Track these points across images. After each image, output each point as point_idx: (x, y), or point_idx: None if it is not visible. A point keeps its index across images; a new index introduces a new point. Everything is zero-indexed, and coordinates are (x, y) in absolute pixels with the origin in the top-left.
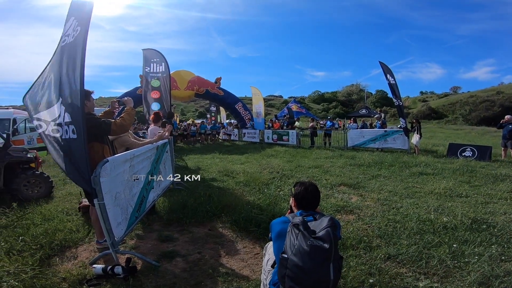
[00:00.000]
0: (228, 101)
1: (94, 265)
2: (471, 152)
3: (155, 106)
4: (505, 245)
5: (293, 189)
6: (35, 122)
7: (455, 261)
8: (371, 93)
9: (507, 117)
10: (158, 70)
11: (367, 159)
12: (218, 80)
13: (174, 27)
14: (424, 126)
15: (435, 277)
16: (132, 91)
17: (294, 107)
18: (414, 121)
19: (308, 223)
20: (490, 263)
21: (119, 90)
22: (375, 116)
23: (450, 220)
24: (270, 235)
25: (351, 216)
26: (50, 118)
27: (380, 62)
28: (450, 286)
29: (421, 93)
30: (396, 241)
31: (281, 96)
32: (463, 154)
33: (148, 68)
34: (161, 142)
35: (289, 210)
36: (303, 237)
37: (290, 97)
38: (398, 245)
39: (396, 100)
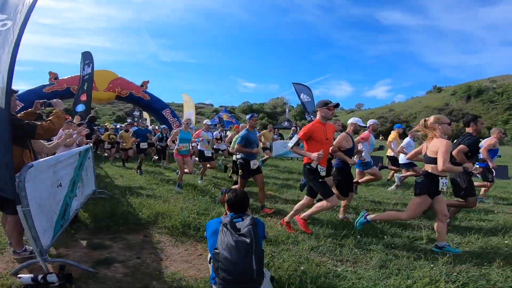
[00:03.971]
0: (154, 106)
1: (20, 275)
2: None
3: (80, 108)
4: (393, 235)
5: (226, 195)
6: None
7: (361, 250)
8: (293, 107)
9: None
10: (87, 72)
11: (289, 167)
12: (145, 84)
13: (101, 23)
14: None
15: (348, 263)
16: (38, 89)
17: (225, 117)
18: None
19: (237, 223)
20: (384, 250)
21: (20, 87)
22: (292, 129)
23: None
24: (205, 234)
25: (280, 217)
26: None
27: (293, 83)
28: (359, 269)
29: None
30: (317, 235)
31: (211, 105)
32: None
33: (84, 71)
34: (83, 147)
35: (224, 213)
36: (230, 234)
37: (221, 106)
38: (318, 238)
39: (308, 116)
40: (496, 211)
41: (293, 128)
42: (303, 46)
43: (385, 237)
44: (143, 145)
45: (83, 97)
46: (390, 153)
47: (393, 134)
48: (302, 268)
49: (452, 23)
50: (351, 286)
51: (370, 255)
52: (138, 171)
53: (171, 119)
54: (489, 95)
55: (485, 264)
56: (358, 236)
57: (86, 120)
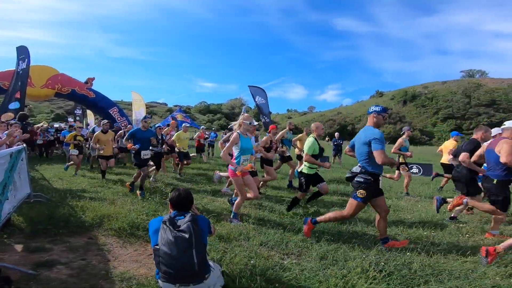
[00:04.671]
0: (100, 104)
1: None
2: None
3: (13, 106)
4: (329, 231)
5: (169, 194)
6: None
7: (304, 243)
8: (251, 108)
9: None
10: (21, 67)
11: None
12: (89, 81)
13: (44, 16)
14: None
15: (293, 256)
16: None
17: (179, 116)
18: None
19: (178, 221)
20: (324, 244)
21: None
22: None
23: (298, 212)
24: (149, 232)
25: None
26: None
27: (249, 86)
28: (303, 261)
29: (288, 110)
30: (265, 232)
31: (165, 104)
32: None
33: (19, 66)
34: (15, 148)
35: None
36: (170, 231)
37: (176, 106)
38: (267, 234)
39: (262, 117)
40: (420, 206)
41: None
42: (262, 48)
43: (325, 231)
44: (145, 154)
45: (18, 95)
46: (445, 160)
47: (451, 142)
48: (252, 262)
49: (397, 31)
50: (295, 277)
51: (312, 248)
52: (139, 192)
53: (119, 118)
54: (422, 100)
55: (408, 254)
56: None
57: (16, 119)
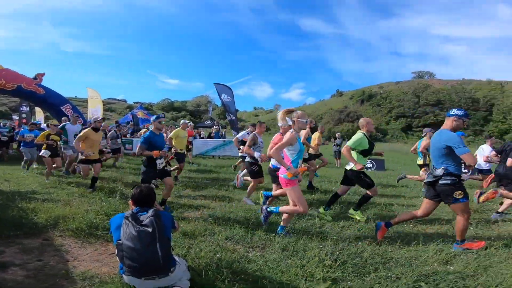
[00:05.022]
0: (51, 101)
1: None
2: None
3: None
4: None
5: (131, 191)
6: None
7: (268, 236)
8: (217, 105)
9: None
10: None
11: (209, 165)
12: (39, 76)
13: None
14: None
15: (258, 248)
16: None
17: (140, 114)
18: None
19: (141, 216)
20: (285, 235)
21: None
22: (214, 128)
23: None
24: (110, 229)
25: (197, 213)
26: None
27: (215, 83)
28: (266, 253)
29: (255, 108)
30: (231, 227)
31: (125, 101)
32: None
33: None
34: None
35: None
36: (132, 226)
37: (136, 103)
38: (232, 229)
39: (228, 115)
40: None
41: (215, 127)
42: (230, 46)
43: (288, 224)
44: (161, 163)
45: None
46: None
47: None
48: (218, 255)
49: (358, 33)
50: (259, 268)
51: (276, 241)
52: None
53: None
54: (377, 100)
55: (359, 243)
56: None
57: None
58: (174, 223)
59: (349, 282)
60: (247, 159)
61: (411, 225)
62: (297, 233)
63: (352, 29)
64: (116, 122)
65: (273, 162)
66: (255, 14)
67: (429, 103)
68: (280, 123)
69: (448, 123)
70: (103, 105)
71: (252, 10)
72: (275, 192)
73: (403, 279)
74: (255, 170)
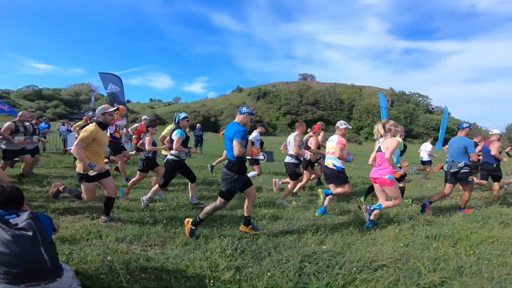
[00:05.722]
0: None
1: None
2: None
3: None
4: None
5: None
6: None
7: (167, 233)
8: (102, 95)
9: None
10: None
11: None
12: None
13: None
14: None
15: (156, 246)
16: None
17: None
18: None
19: (11, 220)
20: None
21: None
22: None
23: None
24: None
25: (76, 217)
26: None
27: (100, 73)
28: (168, 250)
29: (151, 100)
30: (120, 228)
31: None
32: None
33: None
34: None
35: None
36: (3, 230)
37: None
38: (123, 230)
39: (115, 106)
40: (269, 189)
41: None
42: (127, 33)
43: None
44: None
45: None
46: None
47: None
48: (109, 258)
49: (262, 33)
50: (161, 265)
51: (176, 236)
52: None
53: None
54: (270, 97)
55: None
56: (164, 221)
57: None
58: (54, 225)
59: (250, 269)
60: (292, 160)
61: (292, 212)
62: (200, 227)
63: (258, 29)
64: None
65: (337, 163)
66: (165, 3)
67: (309, 102)
68: (384, 136)
69: (462, 132)
70: None
71: None
72: (335, 191)
73: (291, 260)
74: (298, 172)
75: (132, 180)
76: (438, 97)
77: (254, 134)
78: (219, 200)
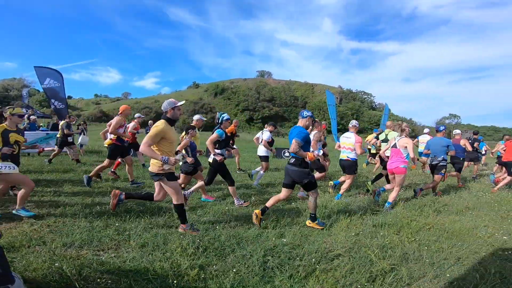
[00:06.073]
0: None
1: None
2: None
3: None
4: (150, 217)
5: None
6: None
7: (121, 236)
8: (38, 91)
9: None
10: None
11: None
12: None
13: None
14: (95, 129)
15: (110, 250)
16: None
17: None
18: (82, 122)
19: None
20: (142, 232)
21: None
22: (30, 117)
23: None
24: None
25: (13, 223)
26: None
27: (35, 67)
28: (123, 253)
29: (96, 95)
30: (67, 232)
31: None
32: None
33: None
34: None
35: None
36: None
37: None
38: (70, 235)
39: (53, 103)
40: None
41: (31, 116)
42: (69, 24)
43: (142, 220)
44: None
45: None
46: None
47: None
48: (57, 264)
49: (221, 28)
50: (118, 267)
51: (130, 239)
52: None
53: None
54: (228, 94)
55: (216, 227)
56: (117, 224)
57: None
58: None
59: (214, 266)
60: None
61: (250, 208)
62: (155, 227)
63: (217, 24)
64: None
65: (351, 155)
66: None
67: (266, 99)
68: (400, 135)
69: (440, 134)
70: None
71: None
72: (341, 179)
73: (255, 255)
74: (320, 166)
75: (195, 186)
76: (380, 95)
77: (267, 134)
78: (311, 193)
